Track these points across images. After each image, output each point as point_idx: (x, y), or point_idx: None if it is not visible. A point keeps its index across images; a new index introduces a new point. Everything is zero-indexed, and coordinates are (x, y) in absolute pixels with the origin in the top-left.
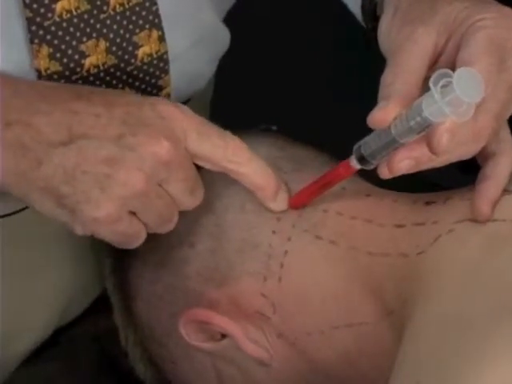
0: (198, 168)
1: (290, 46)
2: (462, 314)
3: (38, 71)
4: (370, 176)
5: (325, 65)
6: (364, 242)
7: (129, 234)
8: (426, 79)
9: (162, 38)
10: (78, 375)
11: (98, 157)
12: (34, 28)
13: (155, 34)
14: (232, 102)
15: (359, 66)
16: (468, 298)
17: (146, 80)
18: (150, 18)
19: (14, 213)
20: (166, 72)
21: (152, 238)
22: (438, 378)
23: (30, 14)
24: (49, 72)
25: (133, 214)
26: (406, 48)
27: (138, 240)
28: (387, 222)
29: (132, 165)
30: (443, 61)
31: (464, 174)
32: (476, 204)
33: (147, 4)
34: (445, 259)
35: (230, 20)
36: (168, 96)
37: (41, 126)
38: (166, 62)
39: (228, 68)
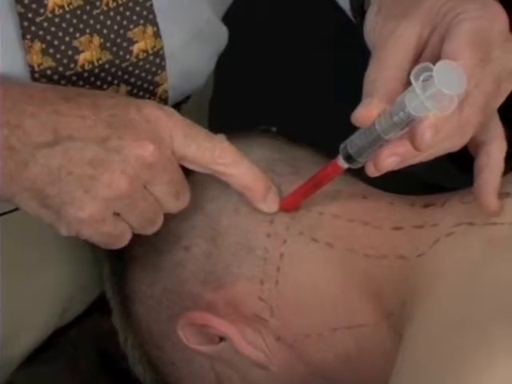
0: (191, 171)
1: (289, 46)
2: (462, 315)
3: (31, 67)
4: (367, 177)
5: (325, 64)
6: (361, 244)
7: (113, 234)
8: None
9: (157, 34)
10: (77, 376)
11: (82, 158)
12: (25, 24)
13: (150, 29)
14: (232, 102)
15: (359, 66)
16: (467, 300)
17: (142, 76)
18: (145, 13)
19: (11, 211)
20: (163, 68)
21: (148, 242)
22: (438, 379)
23: (22, 10)
24: (42, 68)
25: (117, 215)
26: (390, 43)
27: (122, 241)
28: (384, 225)
29: (116, 167)
30: (428, 54)
31: (462, 172)
32: (481, 200)
33: (141, 0)
34: (444, 261)
35: (230, 20)
36: (165, 92)
37: (27, 128)
38: (162, 58)
39: (227, 68)
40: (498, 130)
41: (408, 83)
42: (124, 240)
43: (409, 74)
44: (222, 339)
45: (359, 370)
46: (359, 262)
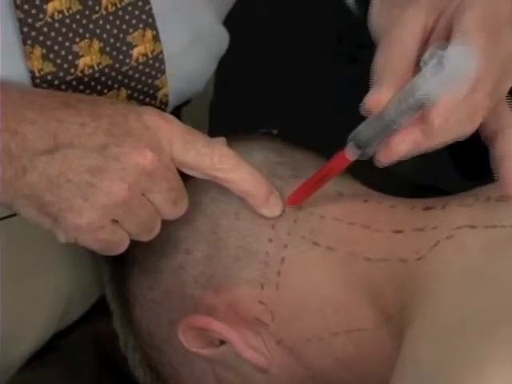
0: (190, 176)
1: (290, 48)
2: (462, 318)
3: (32, 72)
4: (368, 181)
5: (326, 66)
6: (362, 247)
7: (111, 241)
8: (418, 61)
9: (156, 38)
10: (77, 379)
11: (82, 166)
12: (25, 29)
13: (149, 33)
14: (232, 105)
15: (361, 67)
16: (468, 303)
17: (142, 80)
18: (144, 17)
19: (12, 215)
20: (163, 72)
21: (149, 245)
22: (439, 382)
23: (22, 15)
24: (42, 73)
25: (115, 222)
26: (396, 31)
27: (120, 248)
28: (385, 228)
29: (115, 175)
30: (434, 41)
31: (463, 177)
32: (508, 191)
33: (140, 3)
34: (444, 264)
35: (231, 23)
36: (166, 96)
37: (27, 134)
38: (162, 61)
39: (228, 71)
40: (509, 115)
41: (416, 70)
42: (122, 247)
43: (417, 62)
44: (222, 342)
45: (359, 373)
46: (360, 265)
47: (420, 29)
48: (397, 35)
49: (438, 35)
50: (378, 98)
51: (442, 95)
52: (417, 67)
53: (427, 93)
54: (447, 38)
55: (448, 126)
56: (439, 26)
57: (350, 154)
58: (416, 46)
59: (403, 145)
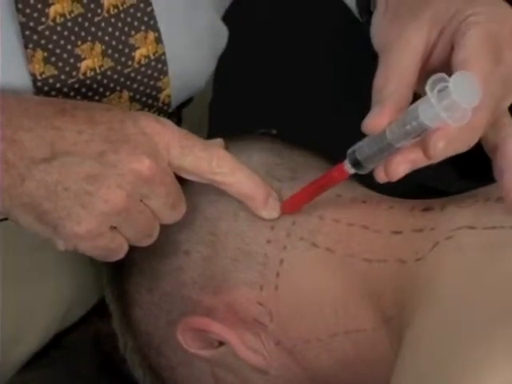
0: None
1: (289, 48)
2: (461, 319)
3: (33, 75)
4: (367, 182)
5: (325, 66)
6: (361, 248)
7: (110, 248)
8: (419, 79)
9: (158, 40)
10: (77, 379)
11: (79, 174)
12: (27, 33)
13: (151, 35)
14: (232, 104)
15: (360, 68)
16: (467, 304)
17: (144, 82)
18: (146, 19)
19: None
20: (165, 73)
21: (148, 248)
22: (439, 383)
23: (23, 19)
24: (44, 76)
25: (114, 228)
26: (397, 47)
27: (119, 254)
28: (384, 229)
29: (113, 182)
30: (436, 58)
31: (462, 177)
32: (509, 203)
33: (142, 5)
34: (443, 265)
35: (230, 21)
36: (168, 97)
37: (24, 142)
38: (165, 63)
39: (227, 70)
40: (508, 128)
41: (417, 88)
42: (121, 253)
43: (418, 79)
44: (221, 343)
45: (358, 374)
46: (359, 266)
47: (422, 46)
48: (398, 51)
49: (440, 52)
50: (378, 120)
51: (445, 121)
52: (418, 85)
53: (431, 118)
54: (449, 54)
55: (449, 144)
56: (441, 42)
57: (349, 167)
58: (417, 63)
59: (404, 165)
